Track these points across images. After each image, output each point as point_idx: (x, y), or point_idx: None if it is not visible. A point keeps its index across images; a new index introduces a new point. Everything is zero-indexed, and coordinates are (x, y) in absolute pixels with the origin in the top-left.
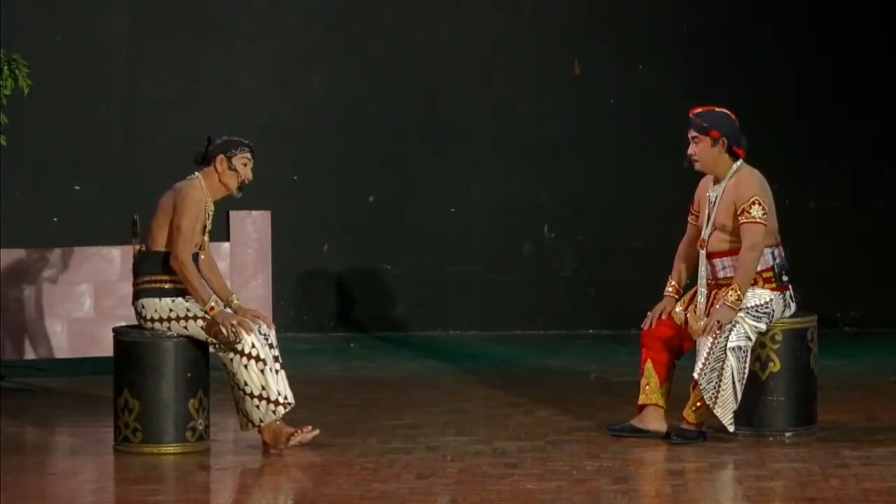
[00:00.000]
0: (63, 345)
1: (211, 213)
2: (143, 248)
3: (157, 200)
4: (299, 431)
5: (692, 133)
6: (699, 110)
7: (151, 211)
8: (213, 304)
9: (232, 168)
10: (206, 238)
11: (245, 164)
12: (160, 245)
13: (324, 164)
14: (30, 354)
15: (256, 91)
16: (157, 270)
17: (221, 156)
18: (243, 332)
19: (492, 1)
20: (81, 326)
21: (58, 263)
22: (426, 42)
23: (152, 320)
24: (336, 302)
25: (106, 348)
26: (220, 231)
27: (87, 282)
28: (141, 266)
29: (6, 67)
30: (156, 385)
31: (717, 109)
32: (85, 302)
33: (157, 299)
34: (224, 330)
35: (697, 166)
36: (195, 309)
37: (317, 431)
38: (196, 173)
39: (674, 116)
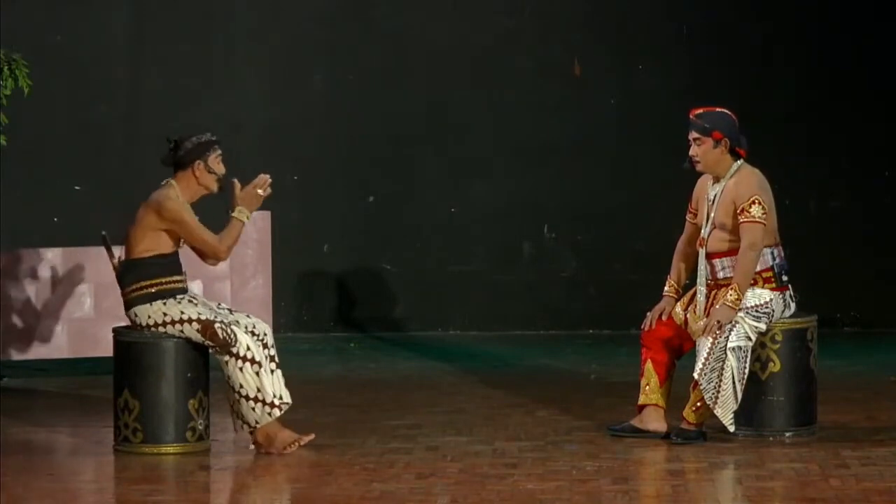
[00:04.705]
0: (63, 345)
1: None
2: (123, 259)
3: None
4: (297, 442)
5: (694, 134)
6: (700, 111)
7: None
8: (242, 219)
9: (211, 171)
10: None
11: (219, 162)
12: (140, 253)
13: (324, 164)
14: (30, 354)
15: (256, 91)
16: (141, 277)
17: (198, 161)
18: (238, 333)
19: (492, 1)
20: (81, 326)
21: (58, 263)
22: (426, 42)
23: (147, 326)
24: (336, 302)
25: (106, 348)
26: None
27: (87, 282)
28: (125, 277)
29: (6, 67)
30: (156, 385)
31: (717, 110)
32: (85, 302)
33: (148, 305)
34: (219, 332)
35: (699, 167)
36: (190, 311)
37: (312, 436)
38: (170, 179)
39: (674, 117)
